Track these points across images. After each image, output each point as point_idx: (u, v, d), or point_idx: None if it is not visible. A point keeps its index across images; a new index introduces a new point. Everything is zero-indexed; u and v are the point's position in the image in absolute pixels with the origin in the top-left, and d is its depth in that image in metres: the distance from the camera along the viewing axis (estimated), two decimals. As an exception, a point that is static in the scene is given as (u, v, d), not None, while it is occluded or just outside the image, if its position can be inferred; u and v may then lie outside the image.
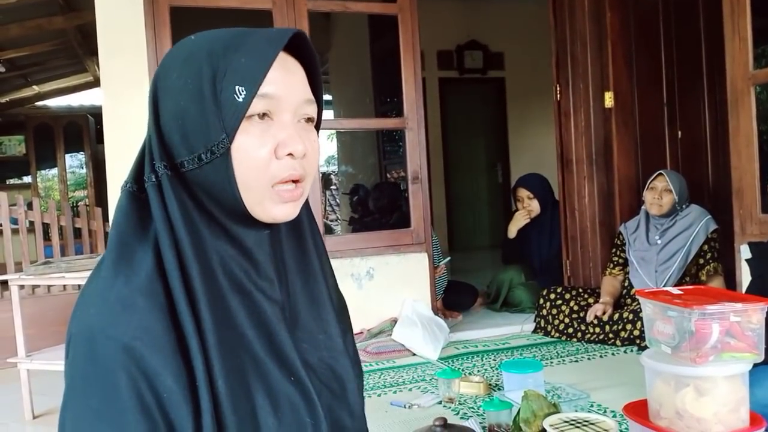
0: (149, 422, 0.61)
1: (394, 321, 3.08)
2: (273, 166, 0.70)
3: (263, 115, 0.69)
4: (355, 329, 3.09)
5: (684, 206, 3.04)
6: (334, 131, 6.92)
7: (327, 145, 9.05)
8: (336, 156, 7.59)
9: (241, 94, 0.67)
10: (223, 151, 0.67)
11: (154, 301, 0.64)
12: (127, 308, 0.63)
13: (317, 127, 0.78)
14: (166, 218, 0.68)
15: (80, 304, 0.67)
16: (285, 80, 0.71)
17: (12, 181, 7.18)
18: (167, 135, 0.70)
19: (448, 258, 3.77)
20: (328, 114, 7.03)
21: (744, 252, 2.61)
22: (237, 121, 0.67)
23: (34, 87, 7.17)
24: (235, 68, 0.67)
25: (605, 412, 2.02)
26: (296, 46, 0.74)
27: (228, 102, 0.67)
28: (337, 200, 7.31)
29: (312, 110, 0.75)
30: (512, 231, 3.88)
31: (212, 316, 0.66)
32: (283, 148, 0.70)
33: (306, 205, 0.82)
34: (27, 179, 7.02)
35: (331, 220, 7.18)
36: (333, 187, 7.60)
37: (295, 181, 0.72)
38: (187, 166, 0.69)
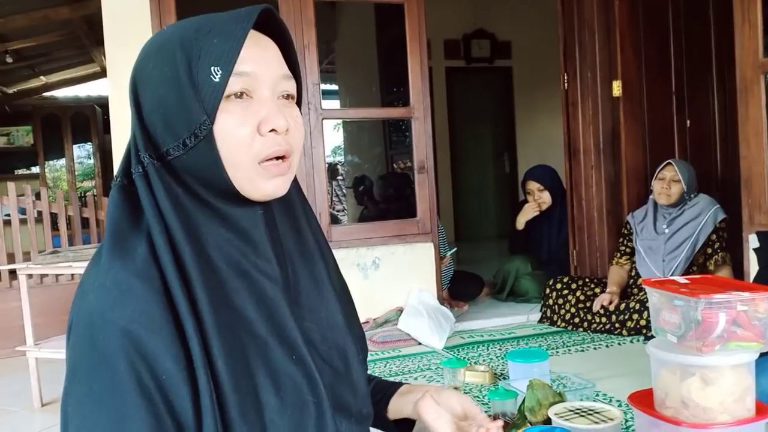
0: (149, 404, 0.62)
1: (400, 310, 3.08)
2: (257, 143, 0.71)
3: (241, 94, 0.70)
4: (361, 318, 3.09)
5: (692, 196, 3.02)
6: (340, 121, 6.90)
7: (333, 135, 9.03)
8: (342, 146, 7.58)
9: (217, 74, 0.68)
10: (206, 132, 0.68)
11: (150, 285, 0.65)
12: (125, 292, 0.64)
13: (299, 103, 0.79)
14: (155, 206, 0.68)
15: (79, 291, 0.68)
16: (259, 57, 0.72)
17: (20, 172, 7.22)
18: (150, 125, 0.71)
19: (455, 248, 3.77)
20: (334, 104, 7.00)
21: (752, 242, 2.60)
22: (216, 101, 0.68)
23: (42, 78, 7.19)
24: (208, 49, 0.68)
25: (611, 401, 2.02)
26: (268, 24, 0.75)
27: (205, 84, 0.68)
28: (344, 190, 7.31)
29: (291, 86, 0.76)
30: (521, 222, 3.87)
31: (209, 298, 0.66)
32: (265, 124, 0.71)
33: (296, 185, 0.83)
34: (35, 169, 7.05)
35: (338, 211, 7.18)
36: (339, 177, 7.60)
37: (281, 158, 0.73)
38: (172, 153, 0.70)
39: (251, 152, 0.70)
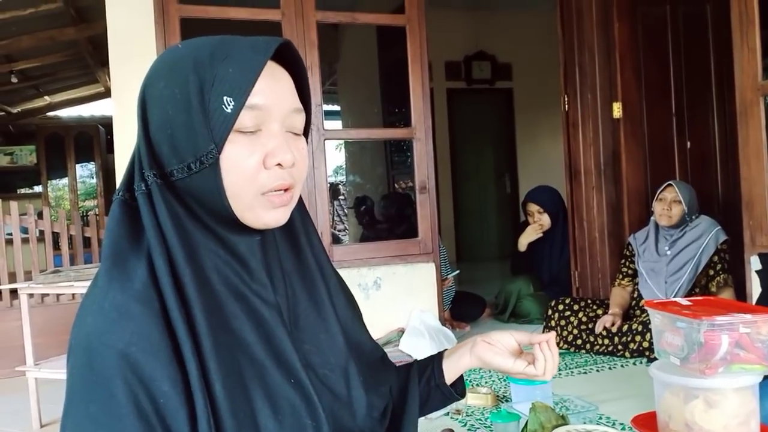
0: (146, 427, 0.62)
1: (402, 331, 3.07)
2: (262, 176, 0.70)
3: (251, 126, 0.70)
4: (363, 339, 3.09)
5: (694, 217, 3.02)
6: (342, 141, 6.93)
7: (335, 155, 9.07)
8: (344, 166, 7.60)
9: (229, 105, 0.67)
10: (212, 161, 0.68)
11: (149, 308, 0.65)
12: (123, 315, 0.64)
13: (306, 134, 0.78)
14: (157, 225, 0.68)
15: (79, 314, 0.68)
16: (273, 90, 0.71)
17: (23, 191, 7.24)
18: (156, 144, 0.70)
19: (457, 270, 3.76)
20: (336, 124, 7.04)
21: (754, 263, 2.59)
22: (226, 132, 0.68)
23: (46, 97, 7.25)
24: (222, 78, 0.68)
25: (614, 424, 2.00)
26: (282, 54, 0.74)
27: (216, 112, 0.67)
28: (345, 210, 7.32)
29: (300, 119, 0.75)
30: (522, 244, 3.87)
31: (207, 321, 0.66)
32: (272, 157, 0.70)
33: (299, 205, 0.82)
34: (38, 189, 7.07)
35: (339, 230, 7.18)
36: (341, 197, 7.61)
37: (285, 189, 0.73)
38: (176, 175, 0.70)
39: (255, 184, 0.70)
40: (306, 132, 0.78)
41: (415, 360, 0.99)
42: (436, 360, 0.96)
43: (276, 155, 0.70)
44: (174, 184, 0.70)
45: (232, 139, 0.69)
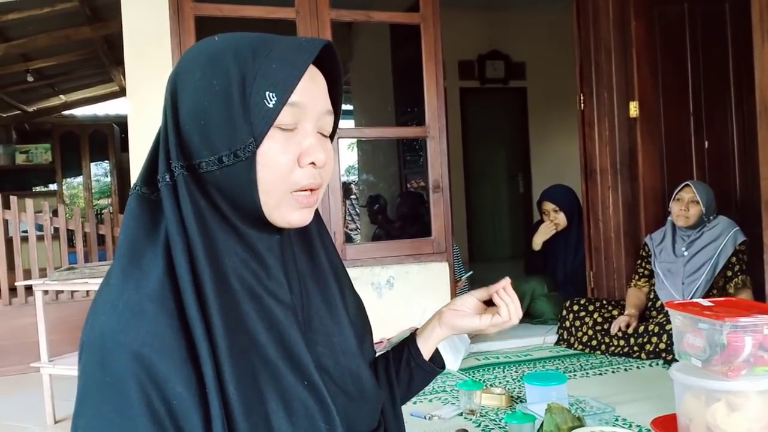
0: (159, 429, 0.61)
1: (414, 330, 3.05)
2: (296, 174, 0.70)
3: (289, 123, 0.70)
4: (375, 338, 3.08)
5: (711, 217, 2.98)
6: (354, 140, 6.93)
7: (347, 154, 9.07)
8: (356, 165, 7.60)
9: (271, 100, 0.67)
10: (249, 155, 0.67)
11: (164, 307, 0.64)
12: (137, 315, 0.63)
13: (332, 137, 0.79)
14: (180, 220, 0.67)
15: (91, 312, 0.67)
16: (309, 89, 0.71)
17: (38, 189, 7.30)
18: (186, 134, 0.69)
19: (470, 272, 3.74)
20: (349, 123, 7.04)
21: (774, 264, 2.55)
22: (266, 126, 0.68)
23: (61, 96, 7.31)
24: (265, 73, 0.67)
25: (631, 426, 1.98)
26: (321, 57, 0.74)
27: (257, 107, 0.67)
28: (357, 209, 7.32)
29: (330, 121, 0.76)
30: (537, 243, 3.84)
31: (223, 321, 0.65)
32: (306, 156, 0.71)
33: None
34: (53, 187, 7.13)
35: (351, 230, 7.18)
36: (353, 196, 7.61)
37: (312, 189, 0.73)
38: (205, 167, 0.69)
39: (288, 181, 0.70)
40: (332, 135, 0.79)
41: (388, 350, 1.02)
42: (410, 341, 0.99)
43: (310, 154, 0.71)
44: (200, 176, 0.69)
45: (270, 135, 0.69)
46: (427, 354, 0.98)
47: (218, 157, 0.68)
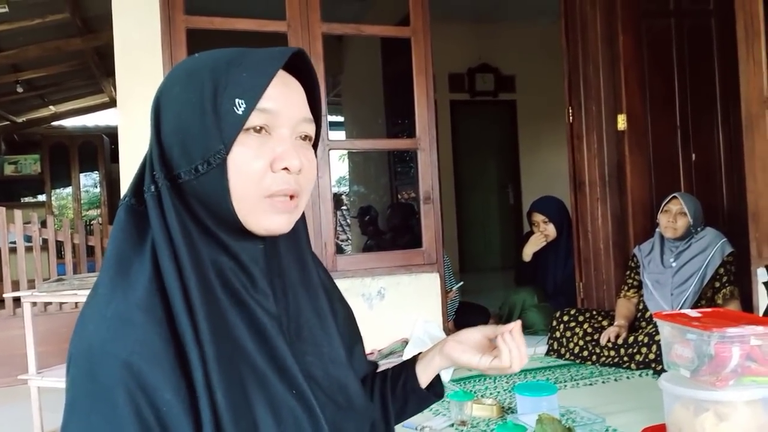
0: None
1: (405, 342, 3.05)
2: (267, 179, 0.71)
3: (260, 129, 0.71)
4: (366, 349, 3.08)
5: (699, 229, 3.01)
6: (345, 152, 6.95)
7: (338, 166, 9.09)
8: (347, 176, 7.61)
9: (240, 107, 0.68)
10: (220, 161, 0.68)
11: (152, 316, 0.64)
12: (125, 324, 0.63)
13: (315, 146, 0.79)
14: (165, 228, 0.68)
15: (79, 322, 0.67)
16: (284, 97, 0.72)
17: (27, 199, 7.25)
18: (167, 147, 0.71)
19: (461, 283, 3.75)
20: (339, 135, 7.06)
21: (761, 275, 2.58)
22: (235, 132, 0.69)
23: (51, 107, 7.28)
24: (236, 82, 0.69)
25: (621, 437, 1.99)
26: (298, 66, 0.76)
27: (227, 114, 0.68)
28: (348, 220, 7.32)
29: (310, 129, 0.76)
30: (527, 254, 3.85)
31: (210, 328, 0.65)
32: (279, 161, 0.71)
33: (302, 219, 0.82)
34: (41, 198, 7.09)
35: (342, 241, 7.18)
36: (344, 207, 7.62)
37: (290, 196, 0.73)
38: (183, 177, 0.70)
39: (260, 186, 0.70)
40: (315, 144, 0.79)
41: (390, 368, 1.00)
42: (409, 365, 0.97)
43: (283, 159, 0.71)
44: (181, 186, 0.70)
45: (241, 141, 0.69)
46: (424, 380, 0.96)
47: (194, 166, 0.69)
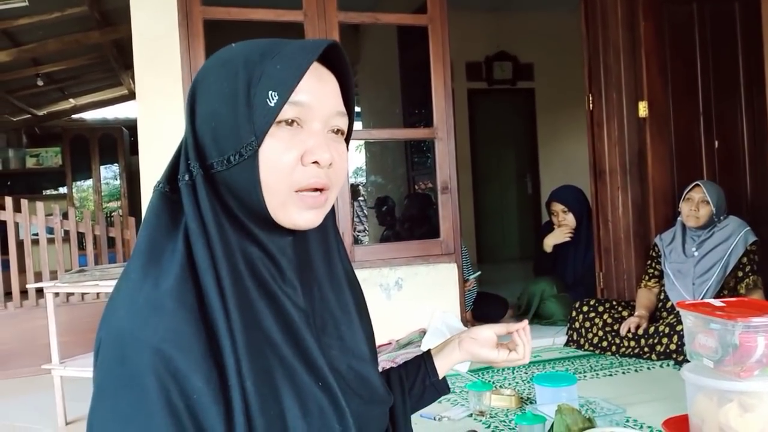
0: (177, 424, 0.61)
1: (423, 332, 3.05)
2: (297, 172, 0.71)
3: (292, 122, 0.70)
4: (384, 340, 3.08)
5: (722, 218, 2.96)
6: (362, 142, 6.94)
7: (355, 156, 9.08)
8: (364, 167, 7.61)
9: (273, 99, 0.68)
10: (251, 153, 0.68)
11: (182, 303, 0.65)
12: (156, 310, 0.64)
13: (347, 140, 0.79)
14: (199, 217, 0.68)
15: (109, 308, 0.68)
16: (317, 90, 0.72)
17: (48, 192, 7.35)
18: (200, 137, 0.72)
19: (479, 272, 3.73)
20: (357, 125, 7.05)
21: (786, 264, 2.53)
22: (267, 125, 0.68)
23: (71, 100, 7.35)
24: (269, 74, 0.69)
25: (642, 427, 1.97)
26: (331, 59, 0.75)
27: (260, 106, 0.68)
28: (365, 211, 7.33)
29: (342, 122, 0.76)
30: (549, 245, 3.82)
31: (240, 317, 0.66)
32: (309, 155, 0.71)
33: (331, 213, 0.83)
34: (63, 190, 7.17)
35: (359, 231, 7.19)
36: (360, 198, 7.62)
37: (320, 190, 0.72)
38: (216, 167, 0.70)
39: (290, 180, 0.70)
40: (348, 138, 0.79)
41: (404, 363, 1.06)
42: (426, 359, 1.04)
43: (314, 153, 0.71)
44: (213, 177, 0.71)
45: (272, 134, 0.69)
46: (441, 374, 1.04)
47: (226, 157, 0.70)
